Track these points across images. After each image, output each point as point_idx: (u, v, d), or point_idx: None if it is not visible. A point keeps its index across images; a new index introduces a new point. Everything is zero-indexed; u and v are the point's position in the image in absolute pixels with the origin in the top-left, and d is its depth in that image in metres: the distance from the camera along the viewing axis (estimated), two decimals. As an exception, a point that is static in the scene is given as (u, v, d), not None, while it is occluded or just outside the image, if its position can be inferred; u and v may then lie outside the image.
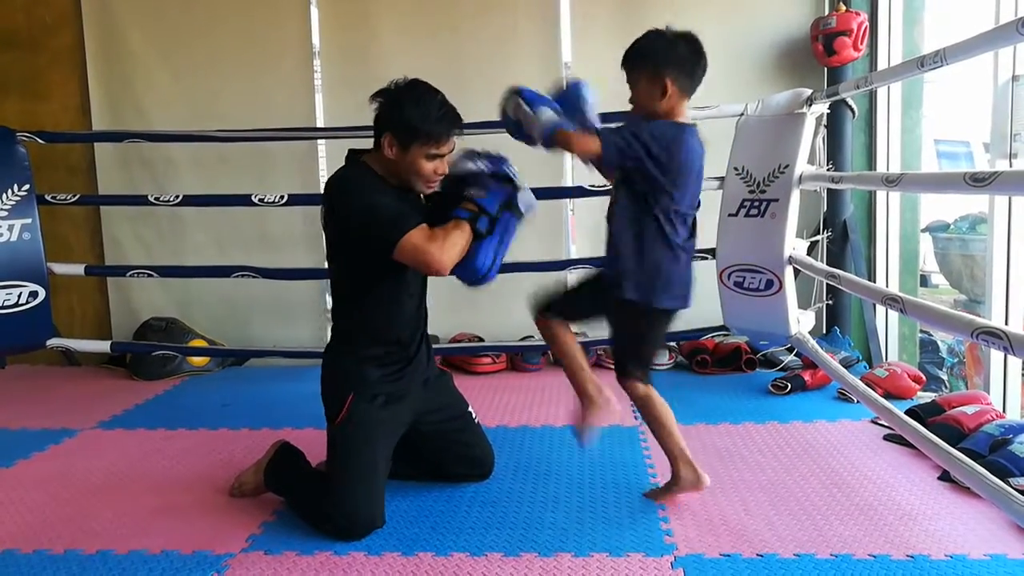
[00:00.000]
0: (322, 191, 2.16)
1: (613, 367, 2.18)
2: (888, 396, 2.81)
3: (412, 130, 1.99)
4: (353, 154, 2.15)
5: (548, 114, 2.00)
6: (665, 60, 2.00)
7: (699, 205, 2.13)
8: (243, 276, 3.44)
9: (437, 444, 2.27)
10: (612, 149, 1.94)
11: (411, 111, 1.99)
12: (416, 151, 2.01)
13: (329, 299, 3.31)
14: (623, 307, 2.06)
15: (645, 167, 1.96)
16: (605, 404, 2.11)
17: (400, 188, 2.10)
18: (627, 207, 2.03)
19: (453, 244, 1.98)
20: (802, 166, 2.92)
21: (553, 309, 2.19)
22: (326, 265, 2.28)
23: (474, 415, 2.36)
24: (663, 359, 3.65)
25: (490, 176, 2.09)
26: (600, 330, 3.75)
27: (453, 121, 2.04)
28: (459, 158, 2.12)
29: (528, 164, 3.33)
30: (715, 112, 3.22)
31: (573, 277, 3.93)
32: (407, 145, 2.01)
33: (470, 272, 2.06)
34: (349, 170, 2.12)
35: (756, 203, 3.02)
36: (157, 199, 3.49)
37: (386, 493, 2.23)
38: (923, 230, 4.40)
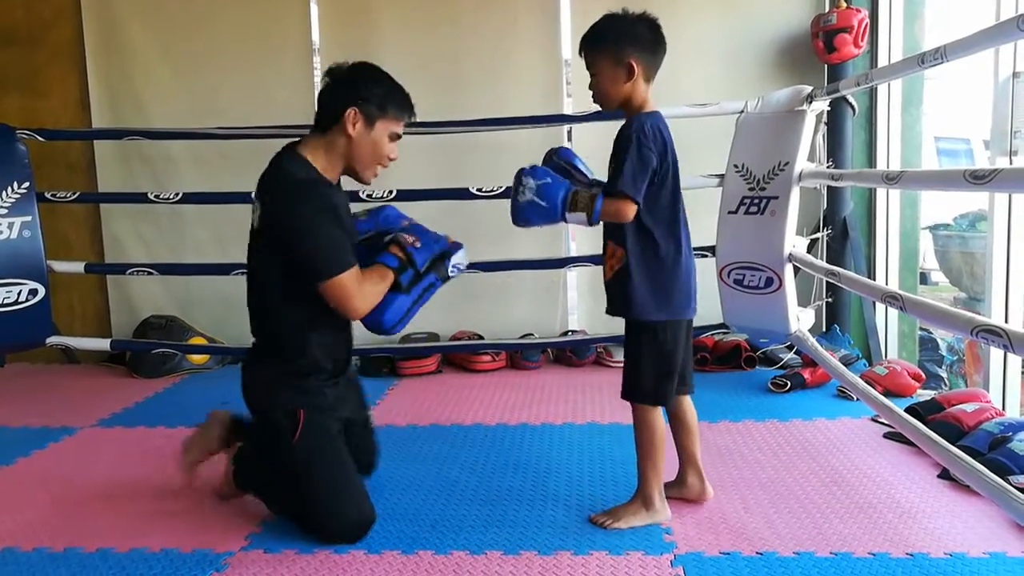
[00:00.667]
0: (263, 195, 1.98)
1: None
2: (888, 394, 2.81)
3: (382, 103, 1.93)
4: (290, 147, 2.00)
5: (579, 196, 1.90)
6: (628, 39, 1.91)
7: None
8: (243, 274, 3.41)
9: (350, 441, 2.17)
10: (639, 194, 1.87)
11: (381, 85, 1.93)
12: (382, 127, 1.96)
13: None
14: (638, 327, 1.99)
15: (654, 180, 1.91)
16: (658, 518, 2.01)
17: (335, 187, 2.03)
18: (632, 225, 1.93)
19: (375, 294, 1.98)
20: (802, 163, 2.92)
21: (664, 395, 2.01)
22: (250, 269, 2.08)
23: (371, 419, 2.34)
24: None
25: (429, 237, 2.08)
26: (598, 327, 3.77)
27: (411, 102, 2.01)
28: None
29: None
30: (715, 109, 3.22)
31: (573, 275, 3.95)
32: (374, 120, 1.94)
33: (375, 324, 2.03)
34: (293, 170, 1.95)
35: (756, 200, 3.02)
36: (157, 196, 3.49)
37: (386, 492, 2.25)
38: (924, 227, 4.40)
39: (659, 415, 2.00)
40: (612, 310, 2.05)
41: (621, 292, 1.97)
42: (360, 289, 1.93)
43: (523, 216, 1.93)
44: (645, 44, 1.93)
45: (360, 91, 1.92)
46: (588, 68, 1.96)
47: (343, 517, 1.97)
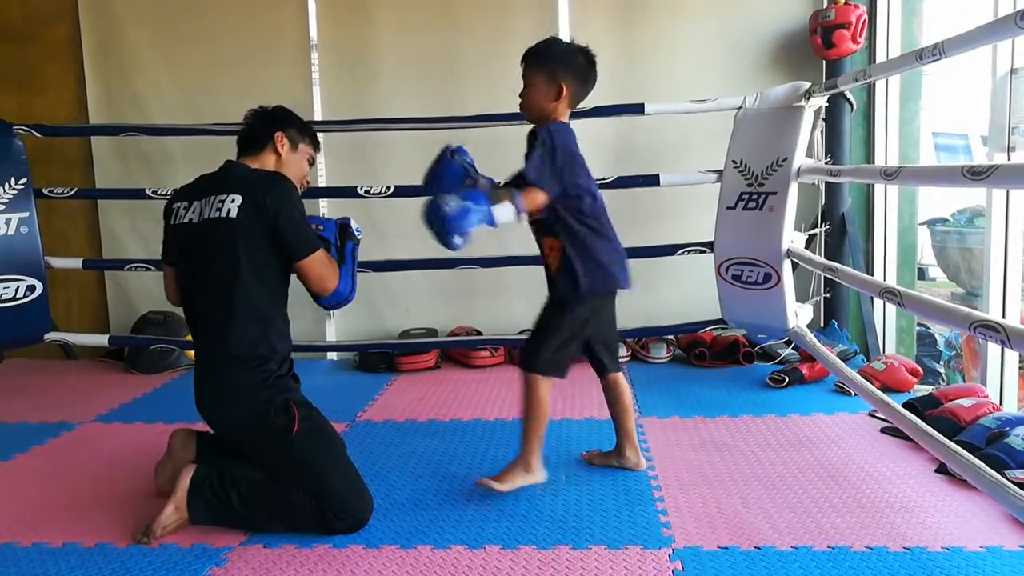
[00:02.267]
0: (239, 187, 2.07)
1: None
2: (885, 389, 2.82)
3: (301, 130, 2.25)
4: (233, 163, 2.21)
5: (500, 207, 1.96)
6: (566, 65, 2.12)
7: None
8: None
9: None
10: (555, 185, 2.05)
11: (298, 120, 2.28)
12: (302, 151, 2.25)
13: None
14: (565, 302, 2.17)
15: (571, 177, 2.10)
16: (535, 479, 2.18)
17: None
18: (561, 209, 2.11)
19: (335, 268, 2.16)
20: (800, 159, 2.92)
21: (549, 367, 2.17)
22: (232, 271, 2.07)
23: None
24: (662, 352, 3.65)
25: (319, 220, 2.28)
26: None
27: (310, 129, 2.34)
28: None
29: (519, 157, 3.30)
30: (713, 105, 3.22)
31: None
32: (297, 144, 2.23)
33: (336, 296, 2.16)
34: (269, 172, 2.16)
35: (754, 196, 3.02)
36: (154, 192, 3.48)
37: (385, 486, 2.26)
38: (921, 223, 4.41)
39: (550, 387, 2.15)
40: (557, 294, 2.20)
41: (567, 278, 2.14)
42: (331, 264, 2.14)
43: (459, 227, 1.86)
44: (580, 73, 2.13)
45: (283, 120, 2.24)
46: (524, 77, 2.15)
47: (361, 497, 2.02)
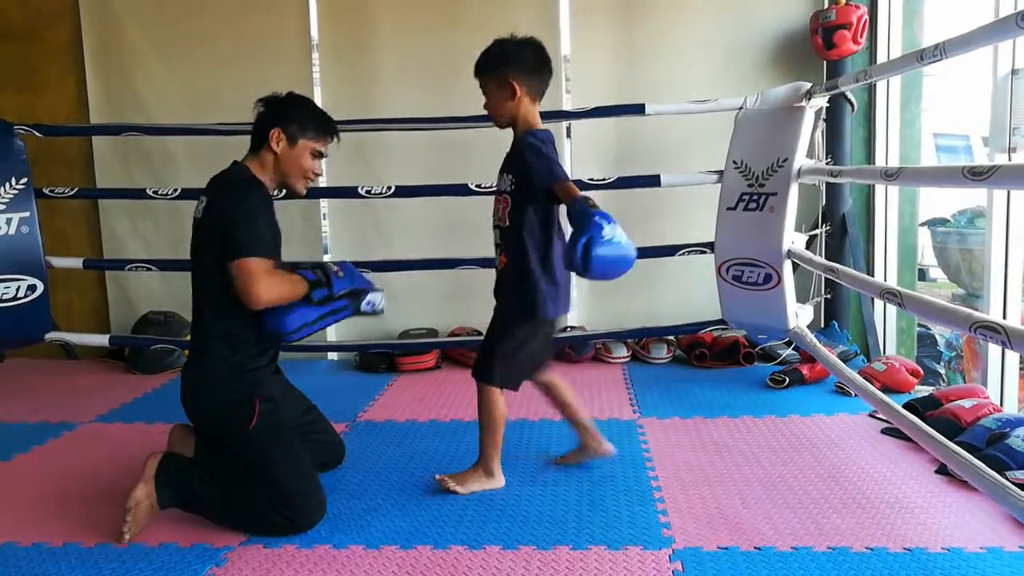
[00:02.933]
0: (209, 189, 2.17)
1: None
2: (886, 390, 2.81)
3: (302, 125, 2.15)
4: (236, 163, 2.21)
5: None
6: (511, 62, 2.12)
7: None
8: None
9: (304, 437, 2.25)
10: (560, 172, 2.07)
11: (301, 110, 2.18)
12: (303, 145, 2.15)
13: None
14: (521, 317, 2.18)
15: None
16: (495, 485, 2.24)
17: (270, 198, 2.18)
18: (535, 225, 2.13)
19: (279, 290, 2.04)
20: (801, 160, 2.92)
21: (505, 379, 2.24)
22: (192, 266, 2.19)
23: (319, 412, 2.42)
24: (662, 352, 3.65)
25: (356, 275, 2.21)
26: (597, 324, 3.77)
27: (335, 127, 2.22)
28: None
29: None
30: (714, 106, 3.22)
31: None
32: (296, 139, 2.14)
33: (273, 324, 2.07)
34: (239, 172, 2.16)
35: (755, 197, 3.02)
36: (155, 193, 3.48)
37: (385, 486, 2.27)
38: (922, 224, 4.40)
39: (501, 396, 2.22)
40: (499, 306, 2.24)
41: (502, 287, 2.20)
42: (266, 278, 2.01)
43: (614, 265, 1.85)
44: (528, 66, 2.13)
45: (284, 114, 2.16)
46: (482, 89, 2.18)
47: (310, 498, 2.03)
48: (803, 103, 2.92)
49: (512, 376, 2.22)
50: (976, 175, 1.68)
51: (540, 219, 2.12)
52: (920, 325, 3.82)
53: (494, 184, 3.35)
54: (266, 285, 2.00)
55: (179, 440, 2.26)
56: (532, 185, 2.07)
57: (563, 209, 2.01)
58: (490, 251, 3.38)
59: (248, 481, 2.03)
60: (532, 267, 2.12)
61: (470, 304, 3.84)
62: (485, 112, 2.22)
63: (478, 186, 3.28)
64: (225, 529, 2.02)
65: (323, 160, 2.27)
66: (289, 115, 2.15)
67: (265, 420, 2.06)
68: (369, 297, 2.19)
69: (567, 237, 1.93)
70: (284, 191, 2.26)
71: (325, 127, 2.20)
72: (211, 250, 2.05)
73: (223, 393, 2.09)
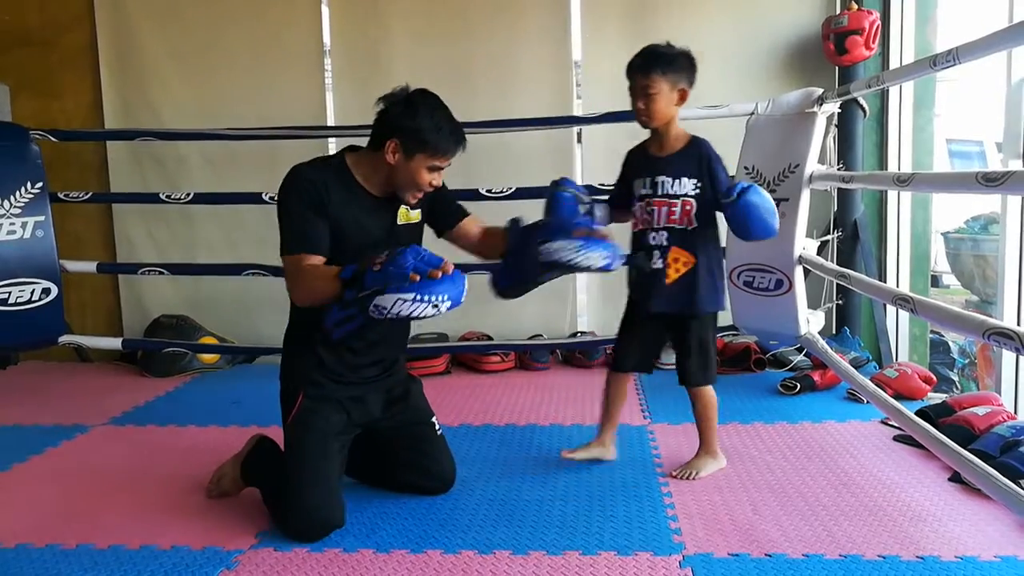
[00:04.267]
0: None
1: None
2: (898, 397, 2.80)
3: (422, 140, 1.96)
4: (345, 149, 2.11)
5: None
6: (684, 69, 2.20)
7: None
8: (254, 274, 3.46)
9: (392, 451, 2.20)
10: None
11: (424, 121, 1.96)
12: (420, 160, 1.98)
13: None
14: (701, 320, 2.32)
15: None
16: (722, 462, 2.39)
17: (376, 196, 2.06)
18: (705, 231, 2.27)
19: (309, 289, 1.95)
20: (813, 165, 2.91)
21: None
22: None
23: (438, 427, 2.27)
24: (673, 358, 3.64)
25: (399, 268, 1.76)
26: (608, 329, 3.76)
27: (461, 138, 2.03)
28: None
29: (538, 162, 3.33)
30: (726, 111, 3.22)
31: (583, 277, 3.94)
32: (412, 153, 1.97)
33: (324, 321, 1.92)
34: (311, 167, 2.04)
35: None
36: (168, 197, 3.51)
37: (394, 491, 2.25)
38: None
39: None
40: (672, 307, 2.29)
41: (687, 290, 2.26)
42: (297, 277, 1.96)
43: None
44: (691, 76, 2.22)
45: (404, 123, 1.96)
46: (645, 88, 2.17)
47: (310, 516, 1.97)
48: (815, 109, 2.91)
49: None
50: (990, 181, 1.67)
51: (714, 220, 2.28)
52: (933, 332, 3.80)
53: (505, 189, 3.36)
54: (295, 284, 1.97)
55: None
56: (718, 192, 2.20)
57: None
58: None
59: (281, 476, 2.05)
60: (719, 266, 2.31)
61: (481, 309, 3.83)
62: (639, 112, 2.22)
63: (489, 191, 3.29)
64: (238, 531, 2.03)
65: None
66: (408, 124, 1.95)
67: (303, 421, 2.04)
68: (377, 301, 1.74)
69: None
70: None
71: (446, 143, 1.98)
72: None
73: (284, 381, 2.14)
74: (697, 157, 2.22)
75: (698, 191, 2.22)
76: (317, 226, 1.98)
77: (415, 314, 1.75)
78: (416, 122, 1.95)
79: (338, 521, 2.01)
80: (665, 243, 2.24)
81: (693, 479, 2.29)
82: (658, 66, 2.16)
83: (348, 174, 2.05)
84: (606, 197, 2.42)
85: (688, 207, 2.22)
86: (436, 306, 1.76)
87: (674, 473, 2.32)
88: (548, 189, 2.21)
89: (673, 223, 2.23)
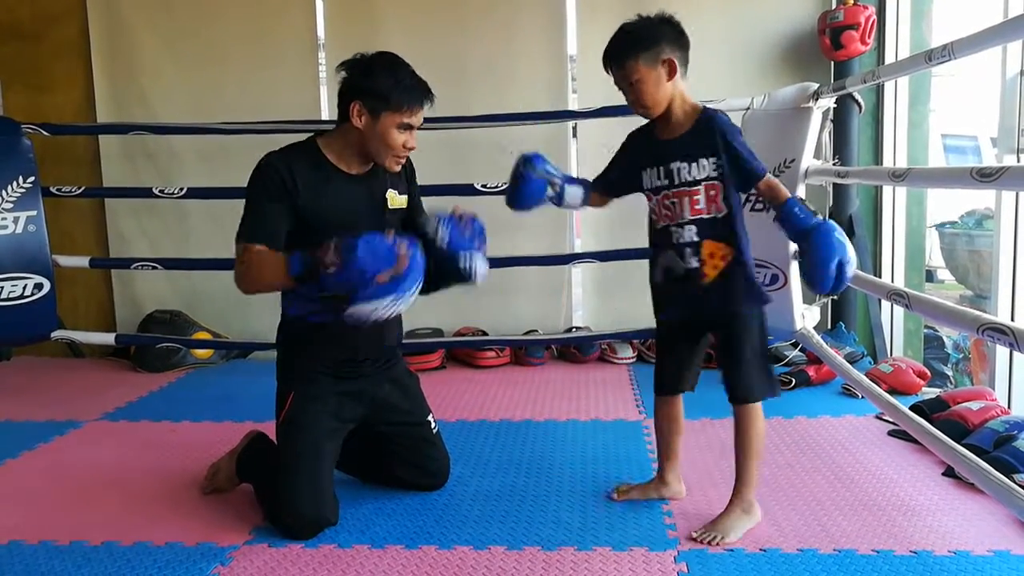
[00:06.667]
0: None
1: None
2: (893, 392, 2.80)
3: (384, 97, 1.91)
4: (315, 134, 2.06)
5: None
6: (662, 39, 1.88)
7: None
8: (247, 269, 3.44)
9: (388, 447, 2.18)
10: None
11: (383, 78, 1.91)
12: (387, 119, 1.93)
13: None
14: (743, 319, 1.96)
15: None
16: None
17: (352, 174, 2.02)
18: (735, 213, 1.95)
19: (256, 280, 1.93)
20: (808, 160, 2.91)
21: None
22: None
23: (434, 424, 2.25)
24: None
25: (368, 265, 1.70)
26: (603, 324, 3.76)
27: (425, 91, 1.97)
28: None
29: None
30: (721, 106, 3.19)
31: (578, 272, 3.94)
32: (378, 113, 1.92)
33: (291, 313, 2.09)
34: (280, 153, 2.00)
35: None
36: (162, 192, 3.49)
37: (387, 487, 2.25)
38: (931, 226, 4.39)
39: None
40: (708, 308, 1.97)
41: (730, 287, 1.93)
42: (249, 265, 1.93)
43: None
44: (677, 39, 1.91)
45: (364, 84, 1.93)
46: (625, 78, 1.91)
47: (300, 514, 1.96)
48: (810, 104, 2.91)
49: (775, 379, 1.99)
50: (985, 176, 1.67)
51: (739, 202, 1.94)
52: (927, 327, 3.80)
53: (500, 184, 3.32)
54: (242, 272, 1.94)
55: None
56: (743, 170, 1.89)
57: None
58: (494, 251, 3.34)
59: (274, 474, 2.04)
60: (751, 254, 1.94)
61: (476, 304, 3.84)
62: (633, 105, 1.96)
63: (484, 186, 3.28)
64: (232, 527, 2.02)
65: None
66: (370, 84, 1.91)
67: (294, 419, 2.02)
68: (352, 312, 1.70)
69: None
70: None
71: (412, 95, 1.92)
72: None
73: (278, 375, 2.12)
74: (711, 132, 1.89)
75: (720, 170, 1.89)
76: (275, 217, 1.95)
77: (396, 312, 1.74)
78: (376, 80, 1.91)
79: (330, 519, 2.00)
80: (696, 238, 1.91)
81: (717, 544, 1.87)
82: (629, 51, 1.88)
83: (319, 155, 2.00)
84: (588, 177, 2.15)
85: (713, 192, 1.90)
86: (413, 296, 1.74)
87: (695, 535, 1.91)
88: (513, 169, 2.00)
89: (700, 213, 1.91)
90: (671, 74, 1.89)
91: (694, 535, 1.91)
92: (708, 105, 1.97)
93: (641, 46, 1.87)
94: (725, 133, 1.88)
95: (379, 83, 1.91)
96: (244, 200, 1.99)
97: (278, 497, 2.00)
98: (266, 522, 2.04)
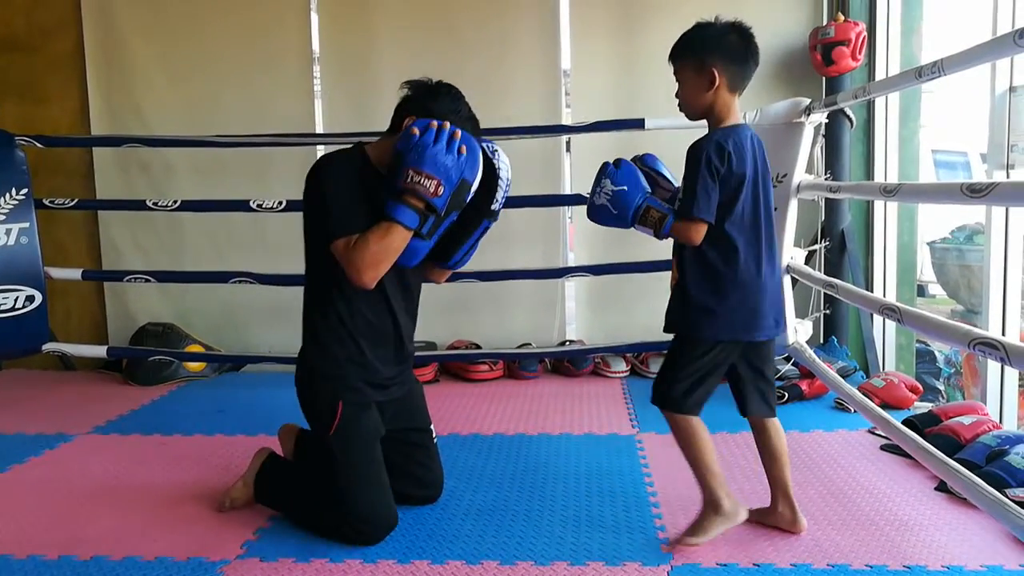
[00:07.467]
0: None
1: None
2: (885, 406, 2.81)
3: (440, 118, 1.94)
4: (359, 143, 2.11)
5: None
6: (712, 48, 1.88)
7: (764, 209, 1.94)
8: (241, 282, 3.44)
9: (386, 456, 2.12)
10: (711, 215, 1.86)
11: (445, 103, 2.02)
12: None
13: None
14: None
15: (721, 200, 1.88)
16: (739, 519, 1.97)
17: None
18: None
19: (375, 260, 1.89)
20: (800, 175, 2.93)
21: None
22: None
23: (434, 434, 2.28)
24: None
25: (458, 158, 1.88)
26: (596, 338, 3.76)
27: (476, 127, 2.07)
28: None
29: (527, 170, 3.33)
30: (713, 121, 3.23)
31: (571, 285, 3.95)
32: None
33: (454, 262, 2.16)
34: (334, 154, 2.07)
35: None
36: (155, 204, 3.49)
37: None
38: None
39: (692, 421, 1.99)
40: (666, 326, 2.02)
41: (677, 308, 1.98)
42: (360, 252, 1.88)
43: (595, 216, 2.04)
44: (731, 54, 1.90)
45: (425, 103, 2.01)
46: (676, 77, 1.95)
47: (373, 518, 1.99)
48: (802, 119, 2.93)
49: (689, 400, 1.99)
50: (975, 192, 1.68)
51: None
52: (919, 341, 3.82)
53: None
54: (358, 263, 1.88)
55: (286, 434, 2.32)
56: (677, 200, 1.92)
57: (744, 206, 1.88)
58: (490, 264, 3.36)
59: (325, 487, 2.02)
60: (687, 285, 1.94)
61: (469, 317, 3.84)
62: (678, 100, 1.98)
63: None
64: (223, 541, 2.01)
65: None
66: (431, 105, 1.99)
67: (348, 428, 2.01)
68: (495, 206, 2.05)
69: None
70: None
71: (466, 126, 1.99)
72: (311, 240, 2.04)
73: (311, 391, 2.08)
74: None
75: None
76: (360, 207, 1.94)
77: (506, 162, 2.06)
78: (438, 103, 2.01)
79: (396, 520, 2.03)
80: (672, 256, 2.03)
81: (691, 545, 1.91)
82: (677, 52, 1.92)
83: (367, 161, 2.04)
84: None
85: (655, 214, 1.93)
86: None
87: (668, 541, 1.95)
88: (632, 164, 2.02)
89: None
90: (711, 85, 1.89)
91: (667, 542, 1.96)
92: (721, 127, 1.96)
93: (689, 50, 1.91)
94: (688, 160, 1.91)
95: (441, 106, 2.00)
96: (316, 203, 1.95)
97: (343, 506, 1.98)
98: (321, 534, 2.01)
